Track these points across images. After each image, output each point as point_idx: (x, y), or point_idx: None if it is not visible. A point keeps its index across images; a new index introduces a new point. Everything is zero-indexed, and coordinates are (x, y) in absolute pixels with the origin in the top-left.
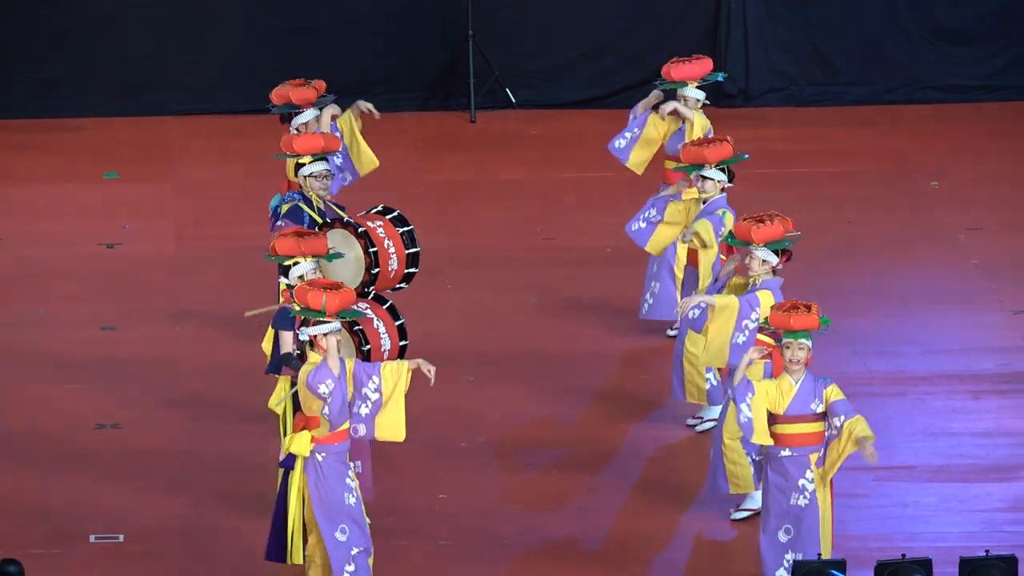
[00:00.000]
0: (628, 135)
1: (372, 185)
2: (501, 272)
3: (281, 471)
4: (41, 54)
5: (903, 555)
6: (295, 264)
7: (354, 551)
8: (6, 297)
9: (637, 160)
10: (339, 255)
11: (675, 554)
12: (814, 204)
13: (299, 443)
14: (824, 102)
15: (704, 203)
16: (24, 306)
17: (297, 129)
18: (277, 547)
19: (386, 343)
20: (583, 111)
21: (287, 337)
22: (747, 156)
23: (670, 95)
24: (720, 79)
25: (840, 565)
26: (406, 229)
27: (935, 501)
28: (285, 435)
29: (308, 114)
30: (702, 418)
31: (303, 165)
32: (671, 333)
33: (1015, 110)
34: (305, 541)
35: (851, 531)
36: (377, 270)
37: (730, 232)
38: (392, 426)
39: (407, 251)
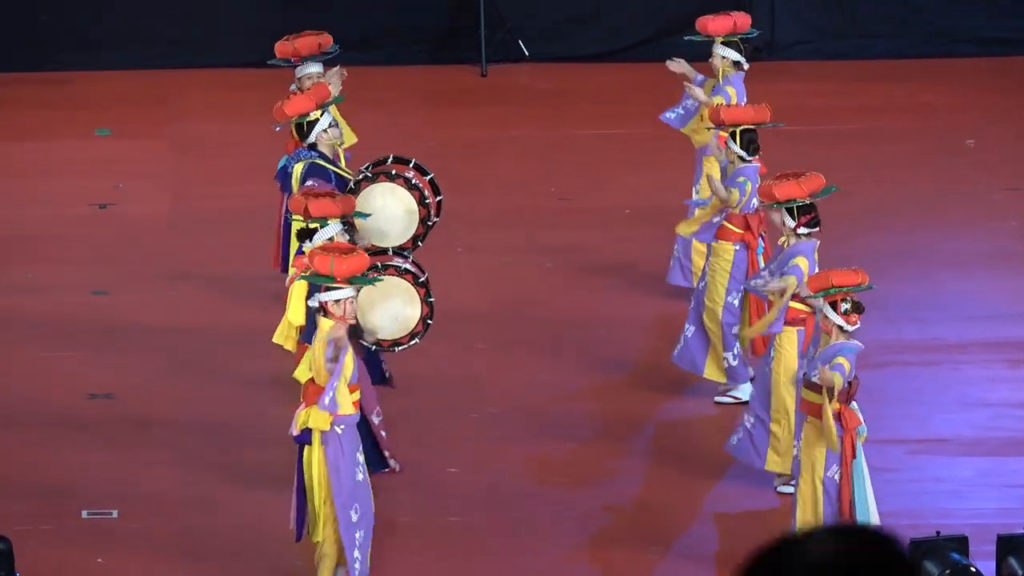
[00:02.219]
0: (680, 109)
1: (378, 143)
2: (513, 234)
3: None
4: (29, 4)
5: (937, 532)
6: (323, 227)
7: (358, 534)
8: None
9: (690, 128)
10: (366, 215)
11: (696, 530)
12: (843, 162)
13: (318, 417)
14: (853, 55)
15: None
16: (12, 270)
17: (300, 81)
18: (303, 524)
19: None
20: (599, 64)
21: None
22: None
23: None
24: (753, 35)
25: (962, 543)
26: (430, 176)
27: (971, 476)
28: None
29: (312, 66)
30: (731, 395)
31: (307, 126)
32: None
33: None
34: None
35: (883, 507)
36: (435, 220)
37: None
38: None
39: (437, 199)
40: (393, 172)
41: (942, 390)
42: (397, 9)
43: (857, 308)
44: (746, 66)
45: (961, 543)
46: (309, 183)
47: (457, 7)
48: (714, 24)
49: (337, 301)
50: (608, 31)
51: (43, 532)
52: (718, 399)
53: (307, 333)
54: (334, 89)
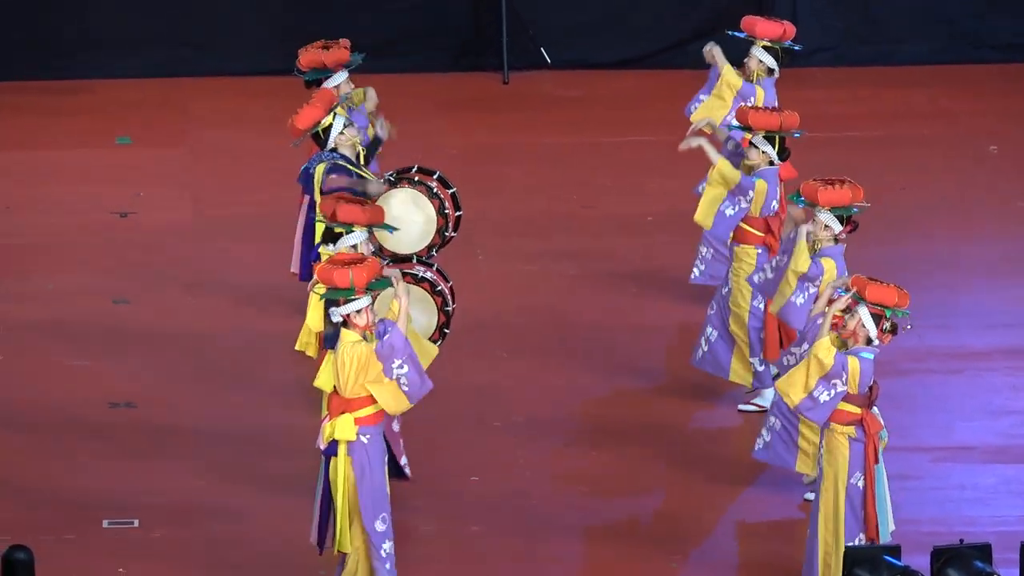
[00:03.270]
0: (703, 98)
1: (399, 150)
2: (536, 241)
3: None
4: (50, 12)
5: (961, 540)
6: (348, 232)
7: (387, 545)
8: (14, 268)
9: (701, 111)
10: (395, 228)
11: (719, 539)
12: (865, 169)
13: (343, 428)
14: (875, 62)
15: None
16: (33, 278)
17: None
18: (325, 535)
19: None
20: (621, 71)
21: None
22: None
23: (737, 49)
24: (796, 48)
25: (894, 551)
26: (453, 191)
27: (995, 483)
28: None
29: (339, 76)
30: (755, 403)
31: (324, 133)
32: None
33: None
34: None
35: (906, 515)
36: (452, 234)
37: (797, 191)
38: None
39: (456, 214)
40: (416, 179)
41: (966, 397)
42: (418, 16)
43: (895, 330)
44: (777, 74)
45: (984, 551)
46: (334, 176)
47: (479, 15)
48: (762, 27)
49: (359, 311)
50: (630, 38)
51: (64, 541)
52: (742, 407)
53: (329, 339)
54: (369, 102)
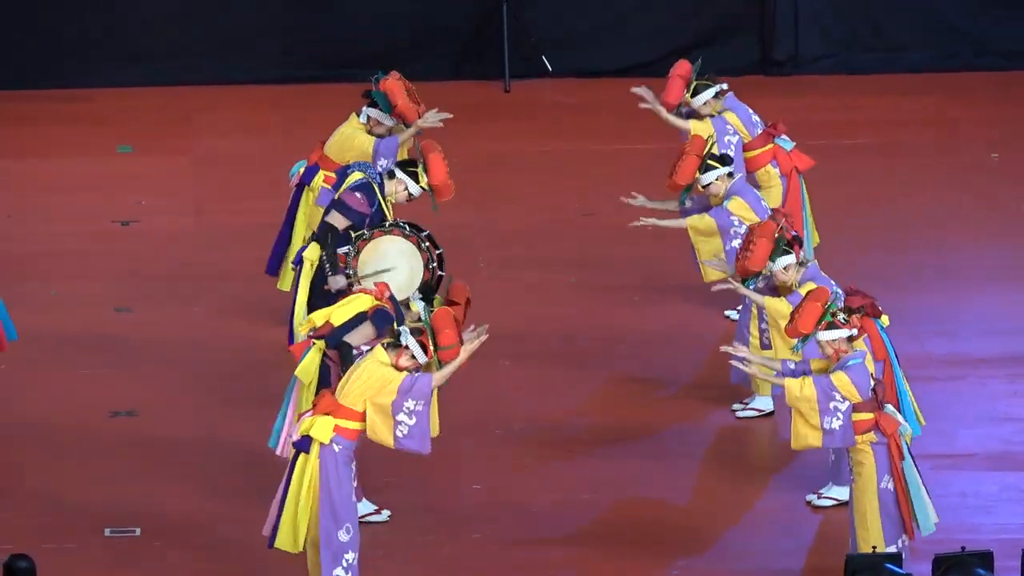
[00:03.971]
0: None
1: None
2: (537, 249)
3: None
4: (51, 20)
5: (963, 548)
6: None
7: (350, 556)
8: (16, 277)
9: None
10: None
11: (723, 544)
12: (867, 176)
13: (320, 428)
14: (877, 69)
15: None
16: (35, 286)
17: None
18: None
19: None
20: (622, 79)
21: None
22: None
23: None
24: (698, 64)
25: (896, 558)
26: (439, 252)
27: (996, 491)
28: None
29: (402, 135)
30: (746, 404)
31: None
32: (731, 315)
33: None
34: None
35: None
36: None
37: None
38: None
39: (437, 274)
40: (387, 225)
41: (967, 405)
42: (420, 25)
43: (850, 311)
44: (725, 86)
45: (986, 558)
46: (358, 196)
47: (480, 23)
48: (670, 94)
49: (412, 356)
50: (631, 46)
51: (66, 550)
52: (740, 414)
53: (335, 335)
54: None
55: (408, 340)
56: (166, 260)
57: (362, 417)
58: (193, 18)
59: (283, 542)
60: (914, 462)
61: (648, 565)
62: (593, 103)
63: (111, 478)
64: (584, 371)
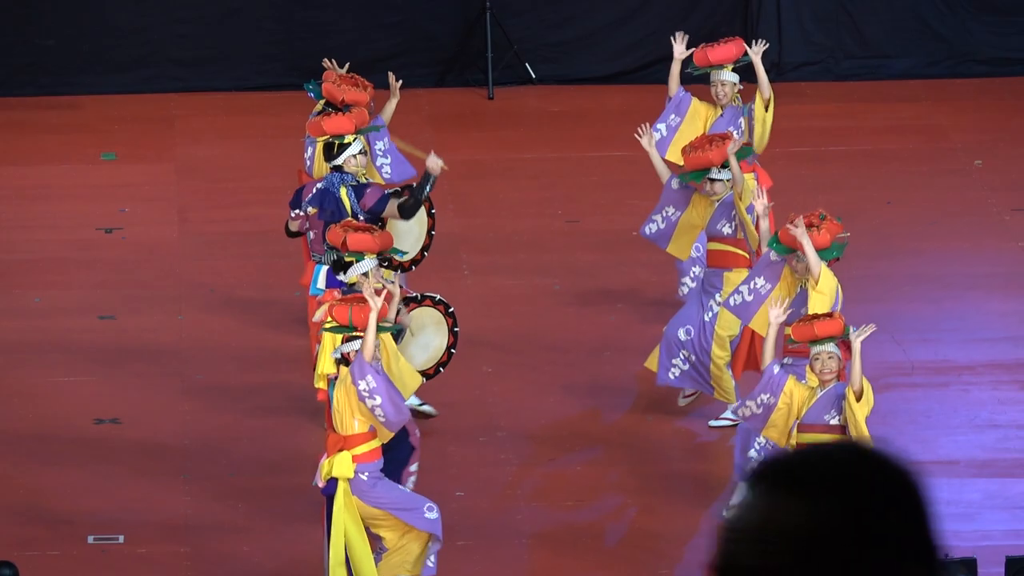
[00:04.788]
0: (662, 126)
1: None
2: (521, 257)
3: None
4: (32, 27)
5: (946, 554)
6: (359, 261)
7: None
8: None
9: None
10: (404, 252)
11: (703, 553)
12: (851, 184)
13: (341, 465)
14: (861, 76)
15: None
16: (18, 294)
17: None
18: None
19: None
20: (608, 87)
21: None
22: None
23: (703, 79)
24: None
25: None
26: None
27: (979, 498)
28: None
29: (354, 146)
30: (725, 417)
31: (339, 147)
32: (714, 424)
33: None
34: (350, 572)
35: None
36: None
37: (775, 237)
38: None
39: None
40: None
41: (951, 412)
42: (404, 33)
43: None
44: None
45: (970, 565)
46: (369, 190)
47: (464, 30)
48: (719, 53)
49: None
50: (615, 54)
51: (49, 557)
52: (713, 423)
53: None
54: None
55: (336, 356)
56: (150, 268)
57: (370, 436)
58: (176, 26)
59: None
60: None
61: (631, 573)
62: (577, 111)
63: (94, 485)
64: (568, 379)
